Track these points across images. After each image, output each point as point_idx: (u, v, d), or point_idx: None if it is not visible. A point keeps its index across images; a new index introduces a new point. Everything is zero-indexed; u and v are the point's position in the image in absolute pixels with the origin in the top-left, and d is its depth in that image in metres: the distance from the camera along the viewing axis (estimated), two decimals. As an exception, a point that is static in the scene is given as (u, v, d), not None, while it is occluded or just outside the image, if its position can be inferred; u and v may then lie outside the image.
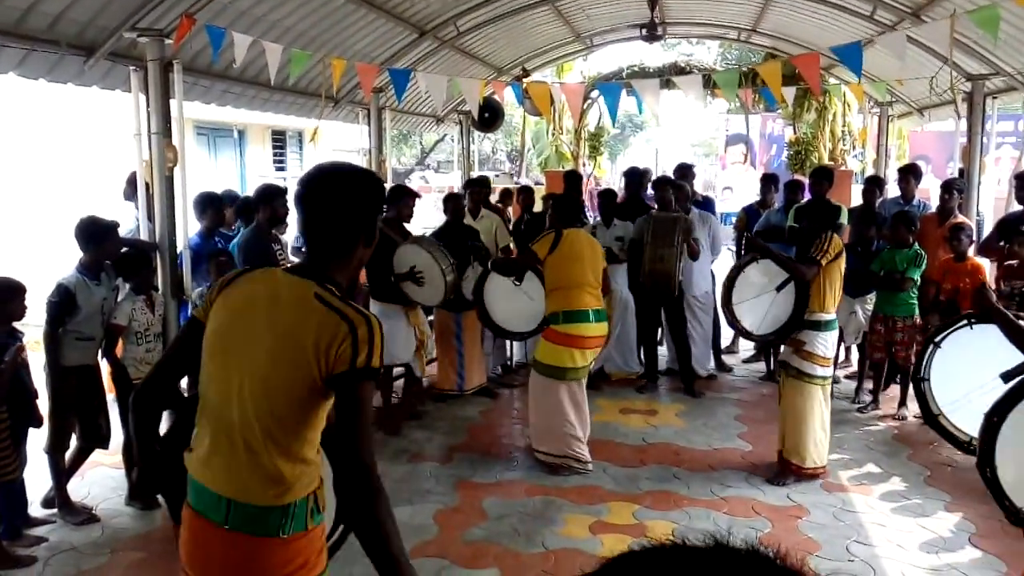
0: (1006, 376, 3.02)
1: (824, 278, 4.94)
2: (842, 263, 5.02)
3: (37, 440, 4.43)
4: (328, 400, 1.89)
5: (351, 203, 1.95)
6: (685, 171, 7.93)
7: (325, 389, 1.85)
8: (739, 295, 5.31)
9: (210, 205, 5.76)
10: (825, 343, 5.00)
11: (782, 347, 5.33)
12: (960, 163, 7.84)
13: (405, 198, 6.10)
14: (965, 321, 4.52)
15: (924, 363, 4.69)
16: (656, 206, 6.85)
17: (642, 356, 7.38)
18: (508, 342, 7.58)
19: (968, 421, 4.44)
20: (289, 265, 2.03)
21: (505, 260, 6.12)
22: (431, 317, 6.72)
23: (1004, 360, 3.06)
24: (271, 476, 1.84)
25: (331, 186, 1.96)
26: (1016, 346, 2.97)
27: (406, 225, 6.15)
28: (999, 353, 3.15)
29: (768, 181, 8.28)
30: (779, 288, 5.12)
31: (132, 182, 5.53)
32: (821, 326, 4.99)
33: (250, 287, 1.96)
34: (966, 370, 4.30)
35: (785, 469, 5.09)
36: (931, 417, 4.63)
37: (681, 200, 6.85)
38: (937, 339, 4.68)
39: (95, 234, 4.47)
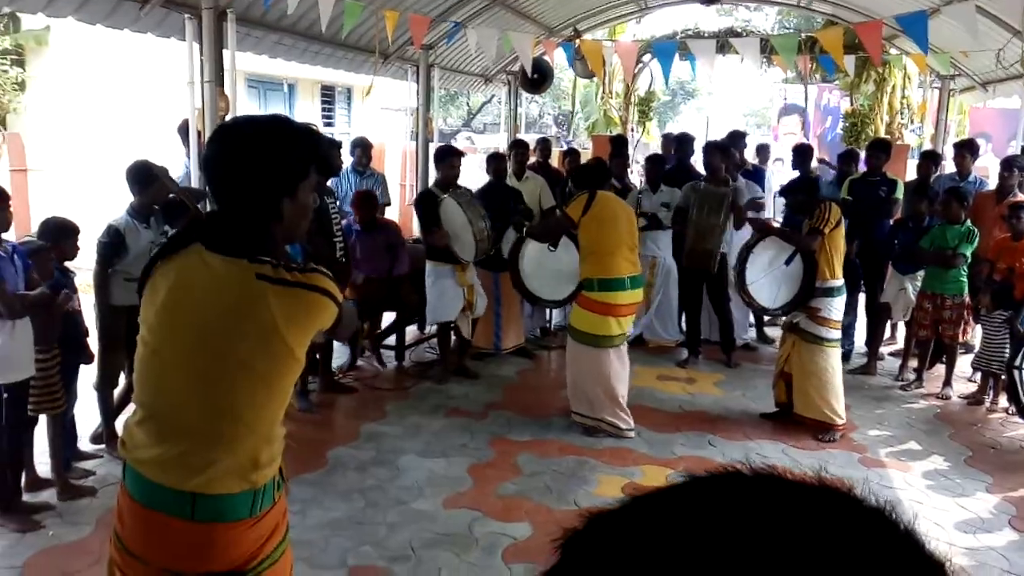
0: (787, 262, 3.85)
1: (829, 245, 5.19)
2: (842, 230, 5.27)
3: (87, 377, 4.57)
4: (301, 364, 1.86)
5: (252, 157, 1.77)
6: (736, 138, 7.77)
7: (301, 357, 1.83)
8: (752, 275, 5.44)
9: None
10: (837, 308, 5.29)
11: (794, 313, 5.39)
12: (1023, 141, 7.58)
13: (450, 158, 6.07)
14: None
15: (1022, 351, 4.70)
16: (704, 172, 6.74)
17: (683, 326, 7.33)
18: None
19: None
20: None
21: (540, 225, 5.98)
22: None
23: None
24: (247, 464, 1.78)
25: (230, 143, 1.81)
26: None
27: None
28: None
29: (799, 154, 8.10)
30: (788, 261, 5.37)
31: (184, 129, 5.60)
32: (832, 292, 5.25)
33: (177, 275, 1.80)
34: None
35: (822, 427, 5.29)
36: (1022, 408, 4.68)
37: (728, 168, 6.70)
38: None
39: (144, 177, 4.55)
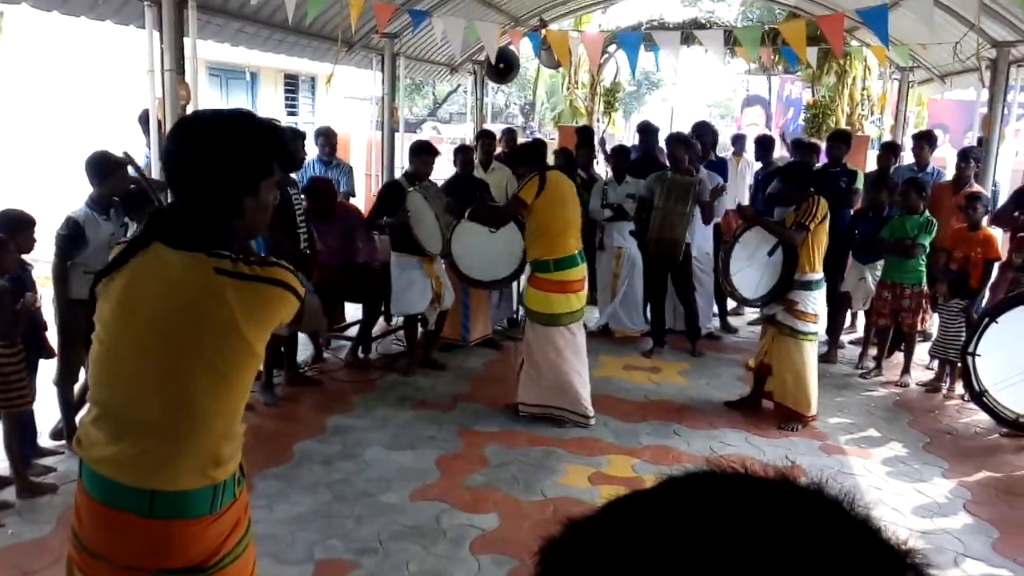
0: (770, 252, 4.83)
1: (812, 240, 5.21)
2: (827, 225, 5.27)
3: (47, 372, 4.49)
4: (260, 359, 1.84)
5: (214, 153, 1.75)
6: (703, 129, 7.83)
7: (262, 350, 1.82)
8: (736, 265, 5.44)
9: None
10: (815, 301, 5.34)
11: (771, 306, 5.42)
12: (980, 132, 7.74)
13: (425, 155, 6.03)
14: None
15: (976, 338, 4.79)
16: (668, 163, 6.78)
17: (648, 316, 7.39)
18: (514, 294, 7.60)
19: (1017, 400, 4.65)
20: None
21: (486, 208, 5.73)
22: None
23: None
24: (207, 461, 1.77)
25: (192, 137, 1.78)
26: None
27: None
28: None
29: (762, 145, 8.23)
30: (770, 252, 5.36)
31: (144, 119, 5.51)
32: (811, 285, 5.30)
33: (133, 271, 1.78)
34: (1019, 348, 4.37)
35: (792, 416, 5.36)
36: (976, 395, 4.80)
37: (692, 159, 6.75)
38: (996, 315, 4.75)
39: (103, 168, 4.47)
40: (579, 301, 5.22)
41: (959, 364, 5.85)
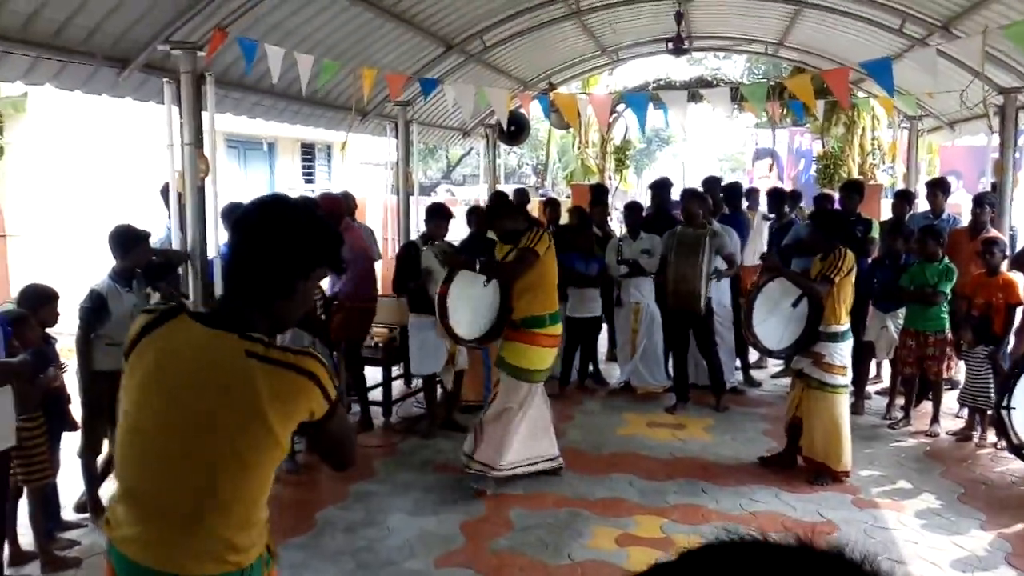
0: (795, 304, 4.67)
1: (837, 292, 5.12)
2: (853, 276, 5.21)
3: (71, 445, 4.49)
4: (284, 452, 1.80)
5: (290, 230, 1.80)
6: (712, 184, 7.89)
7: (287, 442, 1.78)
8: (758, 316, 5.37)
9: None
10: (843, 354, 5.22)
11: (798, 358, 5.34)
12: (992, 177, 7.74)
13: (438, 219, 6.14)
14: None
15: (1009, 391, 4.73)
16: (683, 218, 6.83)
17: (670, 372, 7.34)
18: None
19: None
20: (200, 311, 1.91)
21: (498, 262, 5.18)
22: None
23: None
24: (226, 548, 1.74)
25: (269, 214, 1.83)
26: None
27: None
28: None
29: (774, 198, 8.26)
30: (795, 304, 5.28)
31: (165, 192, 5.61)
32: (837, 337, 5.19)
33: (162, 345, 1.78)
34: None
35: (822, 470, 5.24)
36: (1015, 448, 4.72)
37: (705, 213, 6.81)
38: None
39: (127, 241, 4.54)
40: (553, 358, 5.28)
41: (990, 413, 5.75)
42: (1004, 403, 4.82)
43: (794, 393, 5.43)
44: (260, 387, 1.69)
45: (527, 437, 5.12)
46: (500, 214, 5.24)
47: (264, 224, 1.82)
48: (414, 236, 7.66)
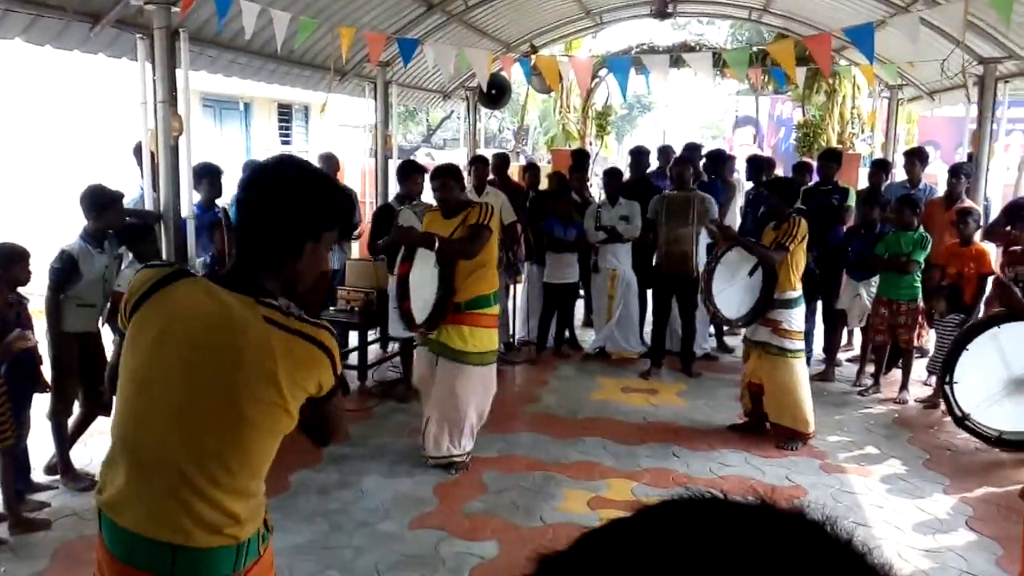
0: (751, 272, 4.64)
1: (791, 258, 5.23)
2: (805, 244, 5.32)
3: (41, 406, 4.46)
4: (292, 423, 1.77)
5: (295, 192, 1.78)
6: (692, 150, 7.89)
7: (294, 413, 1.74)
8: (718, 286, 5.45)
9: (206, 175, 5.73)
10: (798, 319, 5.34)
11: (755, 328, 5.40)
12: (969, 148, 7.79)
13: (413, 174, 6.12)
14: (994, 324, 4.67)
15: (951, 366, 4.83)
16: (669, 185, 6.88)
17: (645, 338, 7.39)
18: (511, 319, 7.59)
19: (998, 418, 4.69)
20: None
21: (458, 242, 4.61)
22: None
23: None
24: (224, 517, 1.71)
25: (279, 175, 1.81)
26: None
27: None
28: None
29: (752, 165, 8.27)
30: (751, 272, 5.37)
31: (139, 151, 5.52)
32: (792, 303, 5.31)
33: (174, 304, 1.74)
34: (993, 369, 4.37)
35: (792, 435, 5.33)
36: (959, 420, 4.84)
37: (694, 178, 6.90)
38: (966, 343, 4.81)
39: (99, 203, 4.47)
40: None
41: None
42: (947, 379, 4.93)
43: (748, 364, 5.50)
44: (276, 353, 1.67)
45: (472, 422, 4.87)
46: (457, 184, 4.79)
47: (277, 181, 1.80)
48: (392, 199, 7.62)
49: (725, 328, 7.98)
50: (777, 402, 5.35)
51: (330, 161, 7.23)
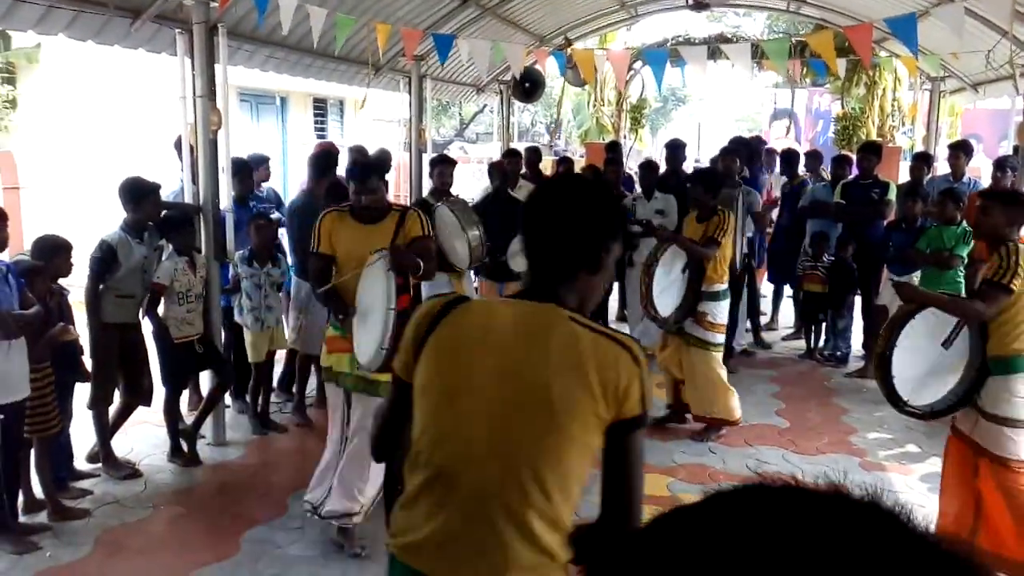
0: (946, 343, 3.55)
1: (720, 251, 5.21)
2: (732, 238, 5.36)
3: (83, 396, 4.54)
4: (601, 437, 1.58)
5: (590, 222, 1.66)
6: (740, 145, 7.79)
7: (606, 418, 1.55)
8: (657, 287, 5.31)
9: (237, 172, 5.76)
10: (723, 312, 5.37)
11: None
12: (1015, 141, 7.61)
13: (440, 166, 6.14)
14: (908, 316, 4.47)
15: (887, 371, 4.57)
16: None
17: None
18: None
19: (924, 396, 4.52)
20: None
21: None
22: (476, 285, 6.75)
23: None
24: (543, 557, 1.53)
25: (574, 200, 1.69)
26: (952, 315, 3.50)
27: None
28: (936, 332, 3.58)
29: (787, 159, 8.17)
30: (684, 269, 5.32)
31: (179, 145, 5.58)
32: (719, 296, 5.33)
33: (472, 320, 1.64)
34: (920, 356, 4.12)
35: (712, 424, 5.36)
36: (899, 407, 4.70)
37: (739, 172, 6.87)
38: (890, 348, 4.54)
39: (137, 194, 4.54)
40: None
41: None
42: (886, 351, 4.64)
43: (668, 352, 5.48)
44: (585, 352, 1.53)
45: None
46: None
47: (568, 197, 1.71)
48: (426, 193, 7.64)
49: (763, 324, 7.91)
50: (701, 394, 5.33)
51: (360, 153, 7.20)
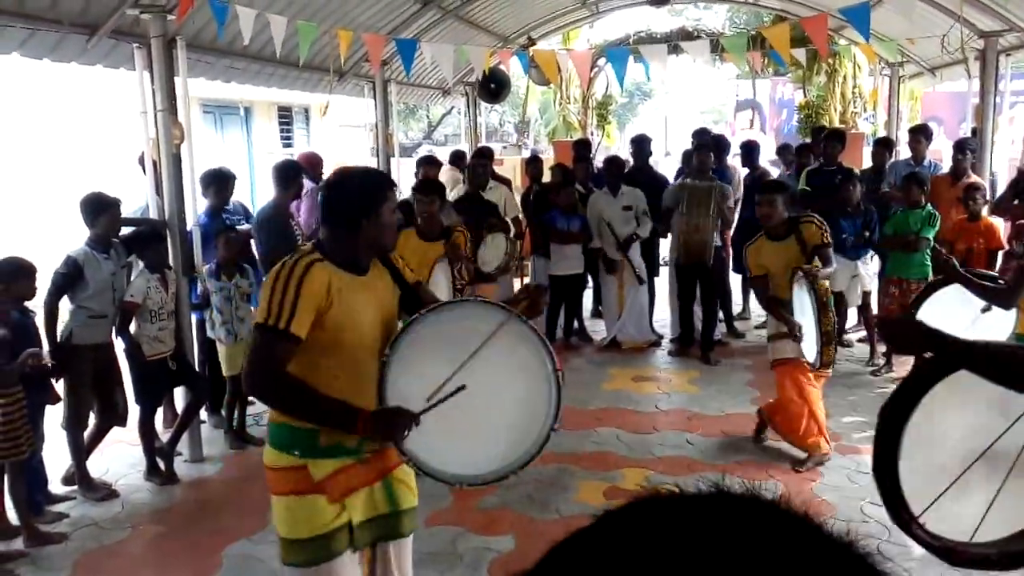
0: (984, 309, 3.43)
1: None
2: None
3: (55, 417, 4.48)
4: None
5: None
6: (704, 136, 7.84)
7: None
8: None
9: (214, 182, 5.72)
10: None
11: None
12: (973, 123, 7.74)
13: (425, 167, 6.21)
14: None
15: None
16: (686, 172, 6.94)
17: (654, 327, 7.41)
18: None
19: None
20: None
21: None
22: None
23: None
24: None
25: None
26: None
27: None
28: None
29: (746, 151, 8.28)
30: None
31: (142, 160, 5.53)
32: None
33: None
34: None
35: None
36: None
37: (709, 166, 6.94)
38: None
39: (94, 209, 4.49)
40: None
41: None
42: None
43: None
44: None
45: None
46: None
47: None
48: (399, 198, 7.63)
49: (735, 313, 7.99)
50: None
51: (313, 161, 7.12)
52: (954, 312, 3.54)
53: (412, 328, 2.39)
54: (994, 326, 3.52)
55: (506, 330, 2.36)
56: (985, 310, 3.58)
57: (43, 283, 4.27)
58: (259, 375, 2.30)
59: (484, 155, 7.60)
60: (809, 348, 4.37)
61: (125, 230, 4.94)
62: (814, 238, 4.68)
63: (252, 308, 5.46)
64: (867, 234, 6.45)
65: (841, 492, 4.43)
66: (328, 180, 2.51)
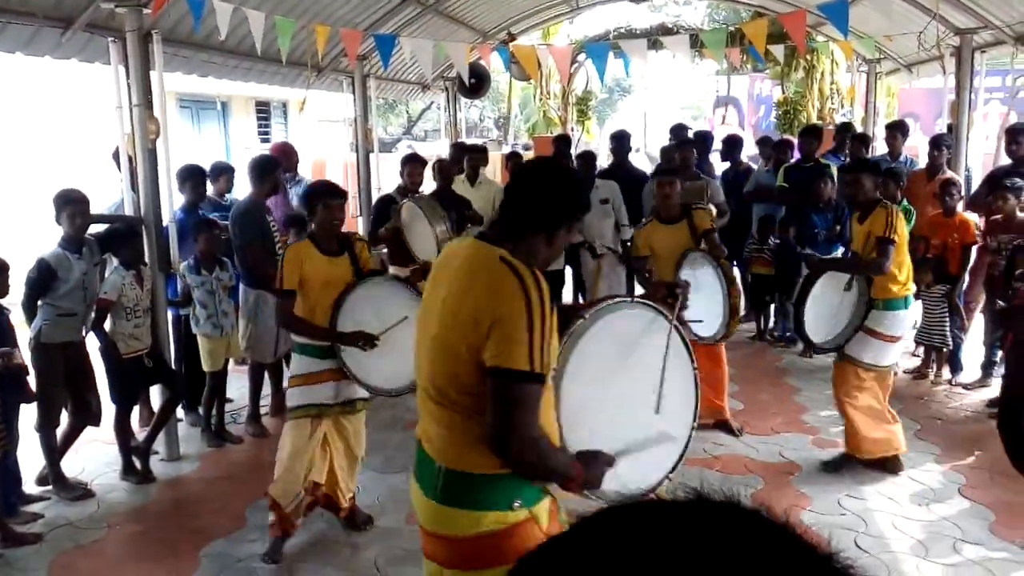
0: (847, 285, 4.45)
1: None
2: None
3: (30, 417, 4.42)
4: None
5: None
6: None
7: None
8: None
9: (190, 178, 5.66)
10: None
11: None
12: (948, 119, 7.81)
13: (408, 165, 6.16)
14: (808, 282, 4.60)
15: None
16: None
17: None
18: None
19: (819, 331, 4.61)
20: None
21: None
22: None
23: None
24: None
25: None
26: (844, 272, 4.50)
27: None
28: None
29: (727, 145, 8.31)
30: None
31: (117, 156, 5.46)
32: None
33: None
34: (825, 308, 4.47)
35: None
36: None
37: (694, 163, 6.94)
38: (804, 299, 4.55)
39: (57, 204, 4.42)
40: None
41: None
42: (794, 300, 4.90)
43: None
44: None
45: None
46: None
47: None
48: (375, 195, 7.62)
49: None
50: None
51: (286, 152, 7.00)
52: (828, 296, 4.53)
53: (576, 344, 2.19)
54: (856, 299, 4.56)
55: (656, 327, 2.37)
56: (847, 288, 4.53)
57: (17, 281, 4.20)
58: (528, 440, 1.90)
59: (480, 150, 7.61)
60: (710, 325, 4.54)
61: (101, 227, 4.89)
62: (704, 223, 5.00)
63: (232, 302, 5.42)
64: (838, 228, 6.51)
65: (818, 485, 4.47)
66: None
